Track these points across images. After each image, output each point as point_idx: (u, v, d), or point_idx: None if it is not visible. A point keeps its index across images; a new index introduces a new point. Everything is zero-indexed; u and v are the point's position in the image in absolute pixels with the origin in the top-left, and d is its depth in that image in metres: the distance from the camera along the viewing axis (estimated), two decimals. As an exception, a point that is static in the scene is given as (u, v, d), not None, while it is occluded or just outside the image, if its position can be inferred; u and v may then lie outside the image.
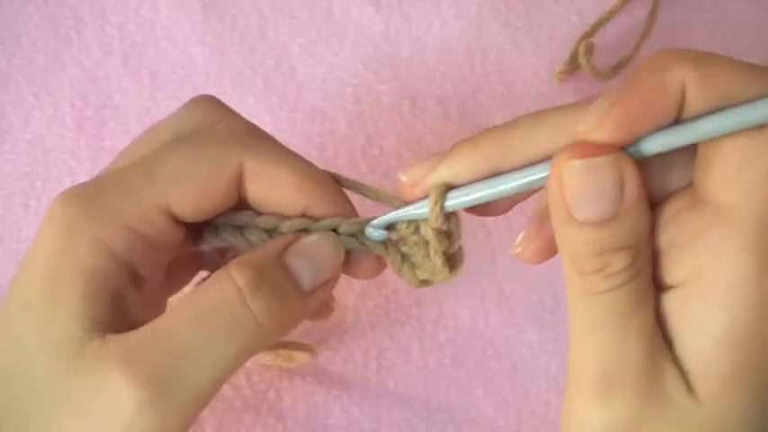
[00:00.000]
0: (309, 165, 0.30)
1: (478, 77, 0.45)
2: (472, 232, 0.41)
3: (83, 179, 0.42)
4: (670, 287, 0.25)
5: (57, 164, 0.43)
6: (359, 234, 0.30)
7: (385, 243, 0.30)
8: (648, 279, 0.25)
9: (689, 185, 0.25)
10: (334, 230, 0.29)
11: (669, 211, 0.25)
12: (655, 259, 0.25)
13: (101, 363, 0.25)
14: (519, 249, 0.28)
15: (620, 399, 0.24)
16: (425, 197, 0.27)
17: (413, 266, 0.30)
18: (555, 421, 0.39)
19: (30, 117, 0.44)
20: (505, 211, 0.28)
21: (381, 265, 0.31)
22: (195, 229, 0.30)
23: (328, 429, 0.38)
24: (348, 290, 0.41)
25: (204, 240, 0.30)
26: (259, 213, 0.29)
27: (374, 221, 0.29)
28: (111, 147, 0.43)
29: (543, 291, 0.41)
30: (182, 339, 0.25)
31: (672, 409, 0.24)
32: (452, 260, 0.29)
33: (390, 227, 0.29)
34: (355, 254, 0.30)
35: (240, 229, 0.29)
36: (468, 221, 0.29)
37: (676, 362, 0.24)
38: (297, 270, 0.28)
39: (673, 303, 0.24)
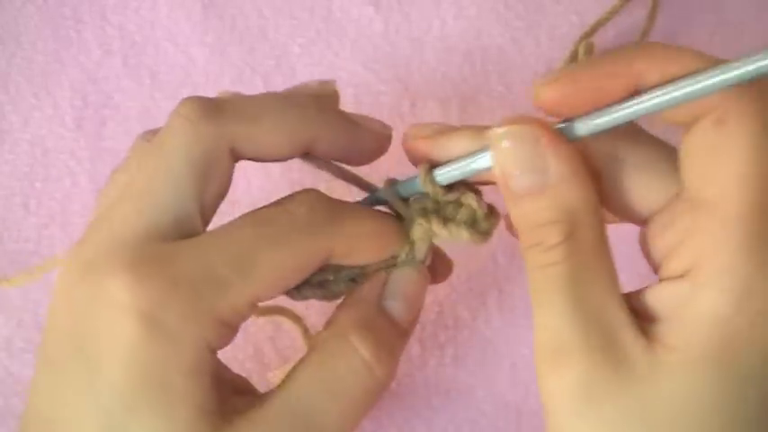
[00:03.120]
0: (383, 217, 0.31)
1: (478, 77, 0.45)
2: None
3: (83, 179, 0.43)
4: (669, 278, 0.25)
5: (57, 164, 0.43)
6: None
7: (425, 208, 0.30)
8: (599, 254, 0.25)
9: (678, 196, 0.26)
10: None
11: (667, 216, 0.26)
12: (663, 253, 0.26)
13: None
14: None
15: (570, 367, 0.24)
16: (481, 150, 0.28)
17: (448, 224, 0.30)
18: (555, 421, 0.39)
19: (30, 117, 0.44)
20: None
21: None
22: None
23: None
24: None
25: (291, 296, 0.31)
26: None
27: (439, 172, 0.29)
28: (111, 147, 0.43)
29: (543, 291, 0.41)
30: (317, 414, 0.27)
31: (631, 373, 0.24)
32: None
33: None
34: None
35: (321, 284, 0.30)
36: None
37: (649, 335, 0.25)
38: (396, 315, 0.30)
39: (667, 291, 0.25)
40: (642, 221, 0.27)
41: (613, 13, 0.45)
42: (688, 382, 0.24)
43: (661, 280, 0.26)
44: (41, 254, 0.42)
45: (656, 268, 0.27)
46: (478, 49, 0.45)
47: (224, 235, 0.27)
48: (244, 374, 0.39)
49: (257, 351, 0.39)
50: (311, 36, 0.46)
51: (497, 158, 0.26)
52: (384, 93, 0.44)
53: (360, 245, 0.29)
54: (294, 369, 0.28)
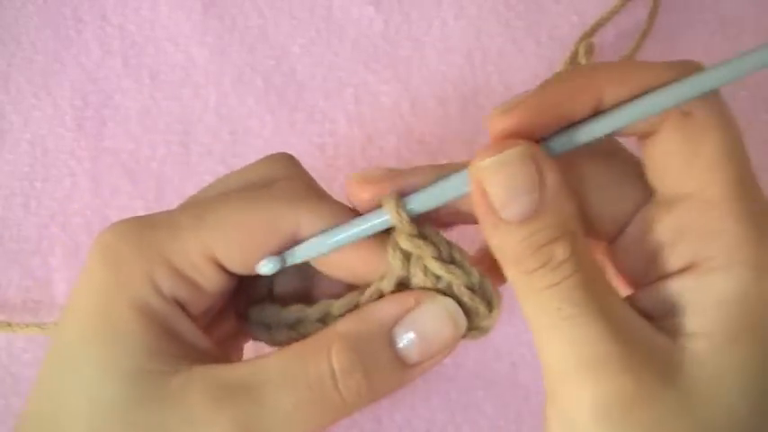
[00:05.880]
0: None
1: (478, 78, 0.45)
2: (472, 234, 0.41)
3: (83, 179, 0.43)
4: (670, 275, 0.25)
5: (57, 164, 0.43)
6: None
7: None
8: (594, 265, 0.25)
9: (649, 202, 0.26)
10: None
11: (640, 225, 0.26)
12: (649, 258, 0.26)
13: (189, 397, 0.25)
14: None
15: (610, 373, 0.24)
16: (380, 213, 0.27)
17: None
18: (555, 421, 0.39)
19: (30, 117, 0.44)
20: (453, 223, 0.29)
21: None
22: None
23: (328, 429, 0.38)
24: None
25: (242, 325, 0.30)
26: (285, 305, 0.29)
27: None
28: (111, 147, 0.43)
29: (543, 291, 0.41)
30: (272, 398, 0.26)
31: (667, 371, 0.24)
32: (484, 295, 0.28)
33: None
34: None
35: (267, 326, 0.29)
36: (468, 228, 0.29)
37: (670, 331, 0.25)
38: (405, 346, 0.27)
39: (677, 284, 0.25)
40: (607, 238, 0.27)
41: (613, 13, 0.45)
42: (718, 365, 0.24)
43: (653, 282, 0.26)
44: (41, 254, 0.42)
45: (635, 278, 0.27)
46: (478, 49, 0.45)
47: (205, 190, 0.30)
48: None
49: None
50: (311, 36, 0.46)
51: (489, 192, 0.24)
52: (384, 93, 0.44)
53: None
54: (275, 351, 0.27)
